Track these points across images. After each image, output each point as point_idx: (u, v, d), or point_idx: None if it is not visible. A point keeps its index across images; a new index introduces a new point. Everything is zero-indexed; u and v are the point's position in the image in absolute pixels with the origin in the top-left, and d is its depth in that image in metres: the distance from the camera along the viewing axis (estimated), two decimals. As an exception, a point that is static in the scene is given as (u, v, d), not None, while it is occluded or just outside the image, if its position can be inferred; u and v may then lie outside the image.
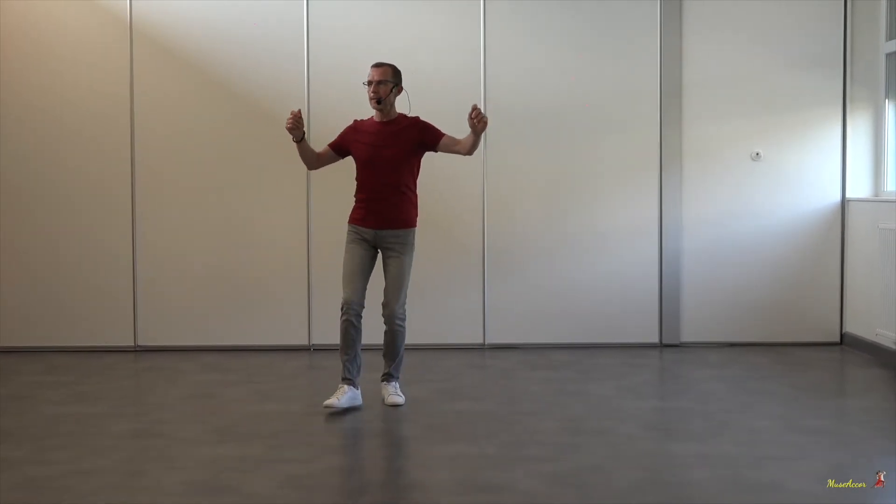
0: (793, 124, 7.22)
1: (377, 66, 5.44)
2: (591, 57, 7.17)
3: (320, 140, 5.76)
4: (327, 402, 5.33)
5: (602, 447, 4.64)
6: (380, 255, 5.54)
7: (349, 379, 5.39)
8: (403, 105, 5.52)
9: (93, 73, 7.12)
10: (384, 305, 5.42)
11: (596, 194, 7.23)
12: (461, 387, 5.98)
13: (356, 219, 5.51)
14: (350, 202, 5.62)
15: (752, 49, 7.20)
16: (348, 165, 5.70)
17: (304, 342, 7.20)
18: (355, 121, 5.58)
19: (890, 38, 6.87)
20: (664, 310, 7.22)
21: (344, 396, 5.35)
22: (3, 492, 4.02)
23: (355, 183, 5.55)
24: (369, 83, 5.41)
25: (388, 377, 5.55)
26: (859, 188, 7.19)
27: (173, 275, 7.19)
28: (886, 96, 6.96)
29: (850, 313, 7.20)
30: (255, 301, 7.19)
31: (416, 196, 5.54)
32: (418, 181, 5.56)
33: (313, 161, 5.60)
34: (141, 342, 7.20)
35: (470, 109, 5.18)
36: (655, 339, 7.24)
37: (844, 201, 7.22)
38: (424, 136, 5.44)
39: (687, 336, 7.25)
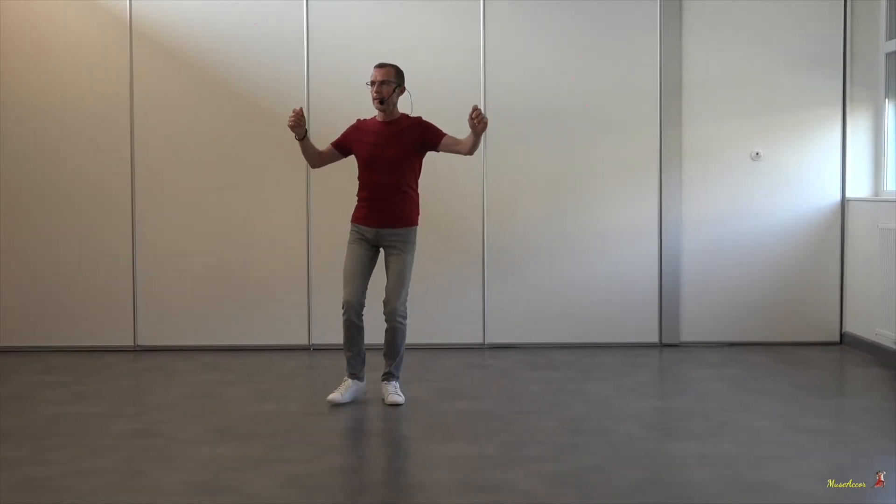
0: (793, 124, 7.22)
1: (380, 66, 5.46)
2: (591, 57, 7.17)
3: (320, 140, 5.76)
4: (330, 396, 5.48)
5: (602, 447, 4.64)
6: (381, 254, 5.55)
7: (353, 374, 5.53)
8: (406, 105, 5.55)
9: (93, 73, 7.12)
10: (385, 303, 5.44)
11: (596, 194, 7.23)
12: (461, 386, 5.99)
13: (358, 217, 5.54)
14: (350, 202, 5.63)
15: (752, 49, 7.20)
16: (348, 165, 5.71)
17: (304, 342, 7.21)
18: (358, 120, 5.61)
19: (890, 37, 6.88)
20: (664, 309, 7.23)
21: (347, 391, 5.49)
22: (3, 492, 4.02)
23: (357, 182, 5.57)
24: (372, 83, 5.44)
25: (388, 376, 5.56)
26: (859, 188, 7.20)
27: (173, 275, 7.20)
28: (886, 96, 6.97)
29: (849, 313, 7.20)
30: (255, 301, 7.20)
31: (417, 195, 5.57)
32: (420, 181, 5.59)
33: (315, 159, 5.62)
34: (140, 342, 7.20)
35: (470, 110, 5.20)
36: (655, 339, 7.25)
37: (844, 201, 7.22)
38: (426, 137, 5.47)
39: (687, 336, 7.26)
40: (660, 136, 7.19)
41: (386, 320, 5.45)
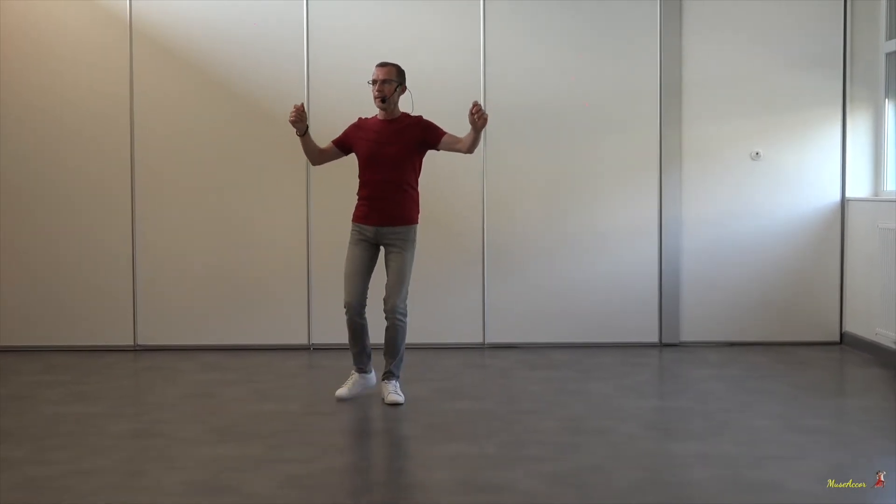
0: (793, 124, 7.22)
1: (382, 65, 5.49)
2: (591, 57, 7.17)
3: (319, 141, 5.75)
4: (338, 392, 5.59)
5: (602, 447, 4.64)
6: (382, 252, 5.57)
7: (360, 369, 5.62)
8: (407, 104, 5.56)
9: (93, 73, 7.12)
10: (385, 301, 5.46)
11: (596, 194, 7.23)
12: (461, 386, 5.99)
13: (358, 216, 5.56)
14: (350, 202, 5.64)
15: (752, 49, 7.20)
16: (349, 165, 5.72)
17: (304, 341, 7.21)
18: (359, 119, 5.63)
19: (890, 37, 6.88)
20: (664, 309, 7.23)
21: (354, 386, 5.60)
22: (3, 492, 4.02)
23: (358, 181, 5.59)
24: (374, 82, 5.46)
25: (388, 375, 5.56)
26: (859, 188, 7.20)
27: (173, 274, 7.20)
28: (886, 96, 6.97)
29: (849, 313, 7.20)
30: (255, 300, 7.20)
31: (417, 193, 5.59)
32: (420, 179, 5.61)
33: (316, 156, 5.65)
34: (140, 342, 7.20)
35: (471, 106, 5.21)
36: (655, 339, 7.25)
37: (844, 201, 7.22)
38: (426, 135, 5.49)
39: (686, 335, 7.26)
40: (660, 136, 7.19)
41: (386, 318, 5.46)
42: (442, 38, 7.14)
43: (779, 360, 6.73)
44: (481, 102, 7.01)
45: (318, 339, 7.19)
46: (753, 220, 7.23)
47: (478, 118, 5.20)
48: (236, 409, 5.41)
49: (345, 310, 5.49)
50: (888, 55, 6.89)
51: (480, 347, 7.22)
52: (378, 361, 5.68)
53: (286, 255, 7.20)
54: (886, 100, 6.97)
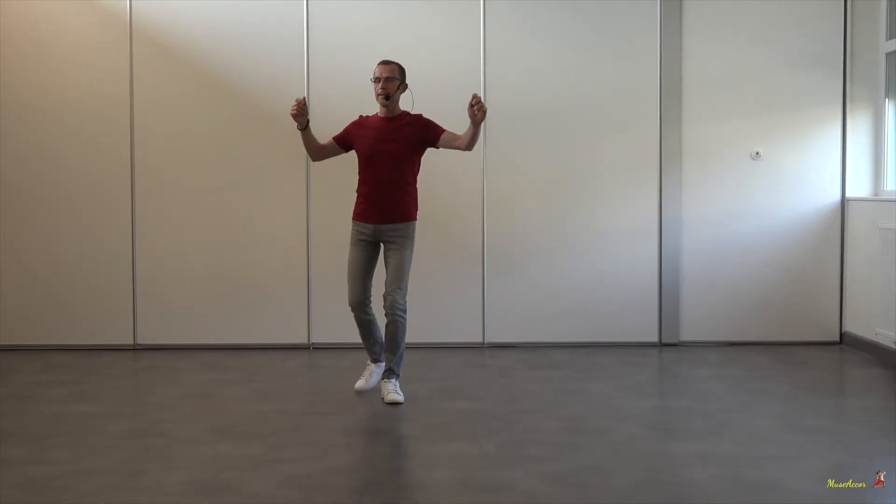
0: (793, 124, 7.23)
1: (385, 63, 5.53)
2: (591, 57, 7.17)
3: (319, 138, 5.76)
4: (357, 384, 5.70)
5: (602, 447, 4.64)
6: (382, 249, 5.61)
7: (375, 359, 5.70)
8: (407, 103, 5.58)
9: (93, 73, 7.12)
10: (385, 297, 5.48)
11: (596, 194, 7.23)
12: (461, 385, 5.99)
13: (358, 214, 5.60)
14: (350, 202, 5.65)
15: (752, 49, 7.20)
16: (349, 165, 5.73)
17: (304, 341, 7.21)
18: (360, 116, 5.67)
19: (890, 37, 6.88)
20: (664, 309, 7.23)
21: (372, 376, 5.71)
22: (3, 491, 4.02)
23: (357, 179, 5.62)
24: (377, 80, 5.49)
25: (388, 373, 5.57)
26: (859, 188, 7.20)
27: (173, 274, 7.20)
28: (886, 96, 6.97)
29: (849, 313, 7.20)
30: (255, 300, 7.20)
31: (416, 190, 5.62)
32: (419, 178, 5.64)
33: (317, 152, 5.68)
34: (140, 341, 7.20)
35: (470, 98, 5.25)
36: (655, 339, 7.25)
37: (844, 201, 7.22)
38: (426, 133, 5.53)
39: (686, 335, 7.26)
40: (660, 136, 7.19)
41: (386, 314, 5.49)
42: (442, 38, 7.14)
43: (779, 359, 6.73)
44: (484, 106, 7.02)
45: (317, 338, 7.19)
46: (753, 219, 7.23)
47: (477, 110, 5.22)
48: (236, 409, 5.41)
49: (350, 308, 5.58)
50: (888, 55, 6.89)
51: (480, 347, 7.22)
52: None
53: (286, 255, 7.20)
54: (886, 99, 6.97)
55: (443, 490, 4.04)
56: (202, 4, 7.12)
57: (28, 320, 7.17)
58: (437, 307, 7.15)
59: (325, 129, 5.85)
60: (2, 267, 7.16)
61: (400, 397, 5.47)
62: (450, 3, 7.15)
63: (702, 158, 7.22)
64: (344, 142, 5.64)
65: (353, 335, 5.69)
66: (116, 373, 6.45)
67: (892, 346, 6.45)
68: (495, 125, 7.09)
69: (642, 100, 7.18)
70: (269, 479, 4.15)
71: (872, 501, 3.95)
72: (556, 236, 7.22)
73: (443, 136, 5.51)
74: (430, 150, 5.65)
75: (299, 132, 5.55)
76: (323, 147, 5.67)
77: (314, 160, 5.81)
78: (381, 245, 5.60)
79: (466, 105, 5.27)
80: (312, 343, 7.21)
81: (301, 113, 5.43)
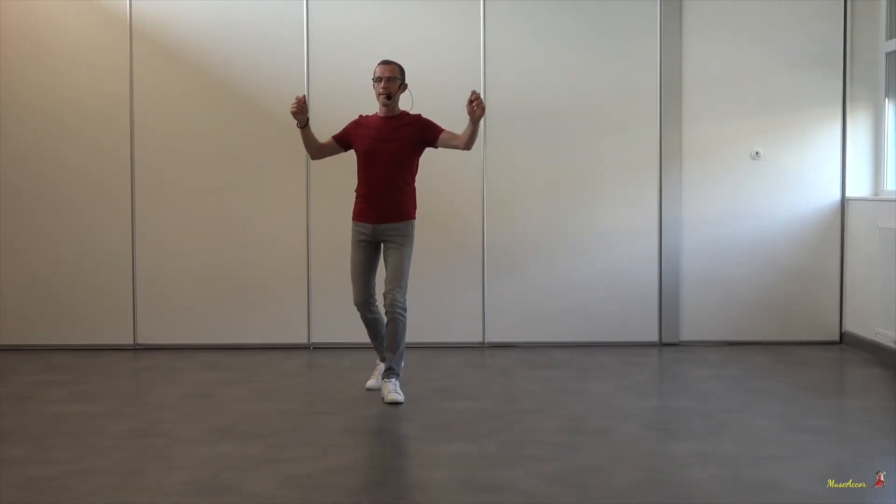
0: (793, 124, 7.23)
1: (386, 63, 5.55)
2: (591, 57, 7.17)
3: (319, 138, 5.76)
4: (368, 383, 5.75)
5: (602, 446, 4.64)
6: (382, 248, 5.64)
7: (383, 357, 5.70)
8: (406, 103, 5.58)
9: (93, 73, 7.12)
10: (385, 295, 5.50)
11: (596, 194, 7.23)
12: (461, 385, 5.99)
13: (357, 214, 5.62)
14: (350, 202, 5.66)
15: (752, 49, 7.20)
16: (349, 165, 5.73)
17: (304, 341, 7.21)
18: (360, 116, 5.69)
19: (890, 37, 6.88)
20: (664, 309, 7.23)
21: (381, 376, 5.67)
22: (3, 491, 4.02)
23: (356, 179, 5.64)
24: (378, 79, 5.49)
25: (388, 372, 5.57)
26: (859, 187, 7.20)
27: (173, 274, 7.20)
28: (886, 95, 6.97)
29: (849, 312, 7.20)
30: (255, 300, 7.20)
31: (414, 190, 5.64)
32: (418, 178, 5.66)
33: (316, 150, 5.70)
34: (140, 341, 7.20)
35: (469, 94, 5.27)
36: (655, 338, 7.25)
37: (844, 200, 7.22)
38: (425, 133, 5.55)
39: (686, 335, 7.26)
40: (660, 136, 7.19)
41: (386, 312, 5.51)
42: (442, 38, 7.14)
43: (779, 359, 6.73)
44: (483, 102, 7.02)
45: (317, 338, 7.19)
46: (753, 219, 7.23)
47: (476, 106, 5.23)
48: (236, 409, 5.41)
49: (356, 308, 5.62)
50: (888, 55, 6.89)
51: (480, 347, 7.22)
52: (374, 363, 5.71)
53: (286, 255, 7.20)
54: (886, 99, 6.97)
55: (443, 490, 4.04)
56: (202, 4, 7.12)
57: (28, 320, 7.17)
58: (436, 307, 7.15)
59: (325, 128, 5.85)
60: (2, 267, 7.17)
61: (400, 397, 5.47)
62: (450, 3, 7.14)
63: (702, 158, 7.22)
64: (343, 141, 5.65)
65: (353, 335, 5.70)
66: (116, 373, 6.45)
67: (892, 345, 6.45)
68: (495, 125, 7.09)
69: (642, 100, 7.18)
70: (269, 479, 4.15)
71: (872, 501, 3.95)
72: (556, 236, 7.22)
73: (441, 136, 5.52)
74: (429, 150, 5.66)
75: (299, 130, 5.55)
76: (322, 146, 5.69)
77: (313, 158, 5.83)
78: (381, 244, 5.60)
79: (465, 105, 5.29)
80: (312, 343, 7.21)
81: (301, 111, 5.44)
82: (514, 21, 7.15)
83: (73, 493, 4.00)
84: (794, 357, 6.81)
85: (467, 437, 4.81)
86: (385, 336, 5.58)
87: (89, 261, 7.17)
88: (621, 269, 7.22)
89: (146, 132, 7.15)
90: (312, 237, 7.19)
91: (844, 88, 7.20)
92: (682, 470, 4.30)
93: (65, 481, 4.14)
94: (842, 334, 7.25)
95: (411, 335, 5.78)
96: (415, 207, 5.62)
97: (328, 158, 5.83)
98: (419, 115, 5.58)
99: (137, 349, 7.17)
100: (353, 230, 5.62)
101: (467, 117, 5.31)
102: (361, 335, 5.85)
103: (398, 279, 5.48)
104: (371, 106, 5.63)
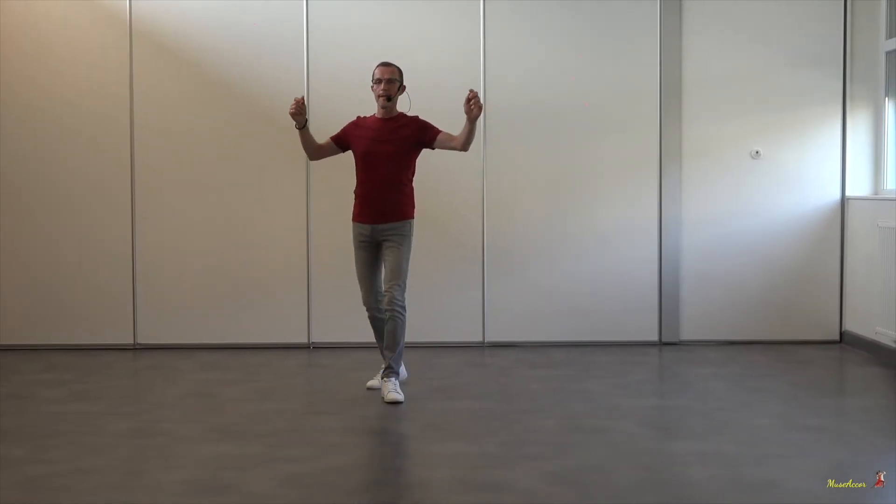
0: (793, 123, 7.23)
1: (385, 65, 5.57)
2: (591, 57, 7.17)
3: (318, 138, 5.77)
4: (369, 382, 5.76)
5: (602, 446, 4.64)
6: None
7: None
8: (404, 104, 5.58)
9: (93, 73, 7.12)
10: (384, 293, 5.53)
11: (596, 194, 7.23)
12: (460, 385, 5.99)
13: (356, 215, 5.65)
14: (349, 202, 5.67)
15: (752, 48, 7.20)
16: (348, 166, 5.72)
17: (304, 340, 7.21)
18: (358, 117, 5.70)
19: (890, 36, 6.87)
20: (663, 308, 7.23)
21: (380, 374, 5.67)
22: (2, 491, 4.02)
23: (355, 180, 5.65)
24: (378, 81, 5.50)
25: (388, 372, 5.57)
26: (859, 186, 7.20)
27: (173, 274, 7.20)
28: (886, 94, 6.97)
29: (849, 311, 7.20)
30: (255, 300, 7.20)
31: (412, 190, 5.66)
32: (416, 178, 5.67)
33: (314, 151, 5.72)
34: (140, 340, 7.20)
35: (467, 93, 5.27)
36: (655, 338, 7.25)
37: (844, 199, 7.22)
38: (423, 134, 5.56)
39: (686, 334, 7.26)
40: (660, 136, 7.19)
41: (385, 311, 5.52)
42: (442, 38, 7.14)
43: (778, 358, 6.72)
44: (481, 101, 7.02)
45: (317, 338, 7.19)
46: (753, 219, 7.23)
47: (473, 105, 5.24)
48: (236, 409, 5.41)
49: (365, 308, 5.65)
50: (888, 54, 6.89)
51: (480, 346, 7.22)
52: (374, 363, 5.73)
53: (286, 255, 7.20)
54: (886, 98, 6.97)
55: (443, 490, 4.05)
56: (202, 4, 7.12)
57: (28, 320, 7.17)
58: (436, 307, 7.15)
59: (325, 129, 5.86)
60: (2, 267, 7.17)
61: (400, 396, 5.47)
62: (450, 3, 7.15)
63: (702, 158, 7.22)
64: (341, 142, 5.67)
65: (353, 335, 5.70)
66: (116, 372, 6.46)
67: (892, 345, 6.45)
68: (495, 125, 7.09)
69: (642, 100, 7.18)
70: (268, 479, 4.15)
71: (872, 501, 3.95)
72: (556, 236, 7.22)
73: (439, 138, 5.54)
74: (427, 151, 5.66)
75: (297, 131, 5.56)
76: (321, 147, 5.70)
77: (312, 159, 5.86)
78: (381, 244, 5.61)
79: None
80: (312, 343, 7.21)
81: (299, 112, 5.46)
82: (514, 21, 7.15)
83: (72, 493, 4.01)
84: (793, 356, 6.81)
85: (467, 436, 4.81)
86: (384, 334, 5.59)
87: (89, 261, 7.18)
88: (621, 268, 7.22)
89: (146, 132, 7.15)
90: (312, 237, 7.19)
91: (844, 88, 7.20)
92: (681, 469, 4.31)
93: (64, 481, 4.14)
94: (842, 333, 7.25)
95: (411, 335, 5.79)
96: (413, 207, 5.63)
97: (328, 159, 5.85)
98: (416, 116, 5.59)
99: (137, 349, 7.18)
100: (353, 231, 5.65)
101: (463, 104, 5.32)
102: (361, 335, 5.87)
103: (397, 277, 5.50)
104: (371, 106, 5.64)
